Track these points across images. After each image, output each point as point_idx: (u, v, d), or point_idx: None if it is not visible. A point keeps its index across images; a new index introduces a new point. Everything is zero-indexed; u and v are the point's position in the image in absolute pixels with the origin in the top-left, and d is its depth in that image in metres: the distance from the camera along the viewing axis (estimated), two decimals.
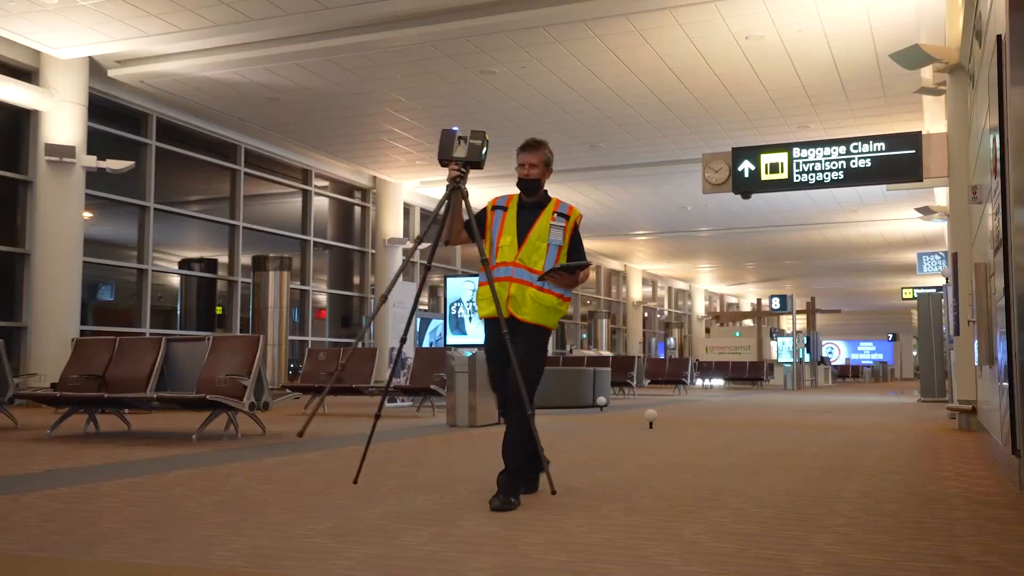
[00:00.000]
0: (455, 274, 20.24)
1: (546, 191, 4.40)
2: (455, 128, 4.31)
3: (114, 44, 11.71)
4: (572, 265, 4.23)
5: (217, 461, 5.75)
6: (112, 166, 12.54)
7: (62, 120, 12.33)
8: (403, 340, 4.70)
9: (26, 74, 12.27)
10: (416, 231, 21.04)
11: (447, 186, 4.29)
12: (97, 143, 13.06)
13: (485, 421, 9.41)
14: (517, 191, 4.40)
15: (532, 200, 4.33)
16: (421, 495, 4.33)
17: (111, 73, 12.91)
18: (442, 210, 4.35)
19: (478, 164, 4.24)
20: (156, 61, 12.54)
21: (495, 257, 4.28)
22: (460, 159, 4.24)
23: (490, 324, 4.30)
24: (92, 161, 12.40)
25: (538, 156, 4.31)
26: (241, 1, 10.33)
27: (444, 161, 4.28)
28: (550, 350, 27.14)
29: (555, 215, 4.29)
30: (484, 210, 4.40)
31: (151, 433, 8.07)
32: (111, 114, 13.99)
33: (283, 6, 10.45)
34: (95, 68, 12.73)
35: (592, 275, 32.02)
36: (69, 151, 12.19)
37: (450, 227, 4.37)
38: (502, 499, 3.94)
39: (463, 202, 4.29)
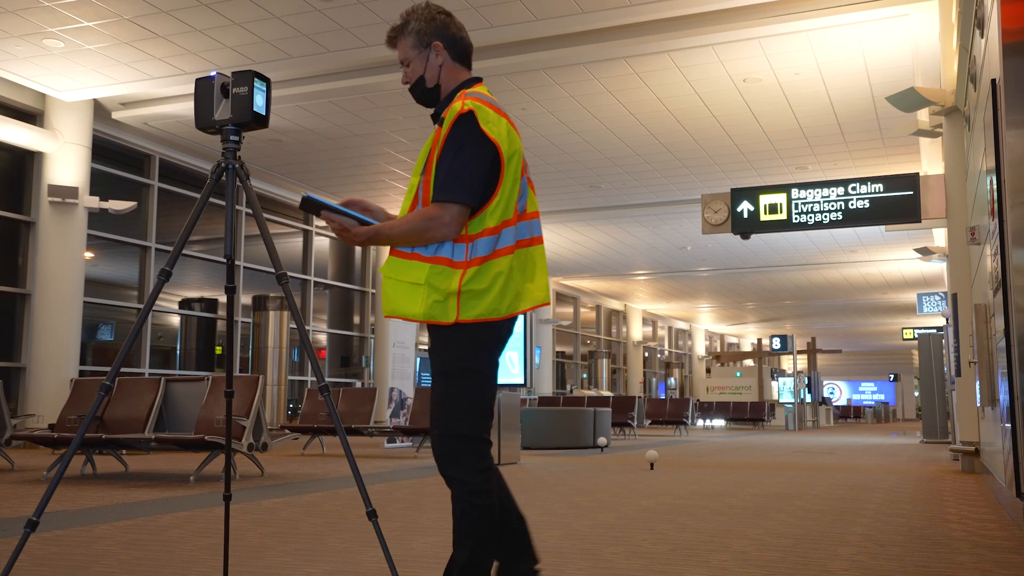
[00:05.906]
0: None
1: (458, 88, 2.58)
2: (213, 73, 2.80)
3: (119, 87, 11.84)
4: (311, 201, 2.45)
5: (214, 503, 5.70)
6: (115, 207, 12.61)
7: (66, 161, 12.42)
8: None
9: (31, 116, 12.38)
10: None
11: (213, 167, 2.81)
12: (99, 184, 13.15)
13: None
14: None
15: (436, 115, 2.63)
16: (420, 538, 4.28)
17: (115, 115, 13.04)
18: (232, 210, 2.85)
19: (253, 122, 2.76)
20: (160, 103, 12.68)
21: None
22: (224, 122, 2.78)
23: None
24: (95, 202, 12.48)
25: (403, 47, 2.60)
26: (244, 45, 10.46)
27: (207, 130, 2.84)
28: (547, 388, 27.21)
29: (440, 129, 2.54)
30: None
31: (149, 474, 8.02)
32: (114, 155, 14.10)
33: (286, 49, 10.58)
34: (99, 110, 12.85)
35: (591, 314, 31.89)
36: (72, 192, 12.26)
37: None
38: None
39: (244, 188, 2.77)
